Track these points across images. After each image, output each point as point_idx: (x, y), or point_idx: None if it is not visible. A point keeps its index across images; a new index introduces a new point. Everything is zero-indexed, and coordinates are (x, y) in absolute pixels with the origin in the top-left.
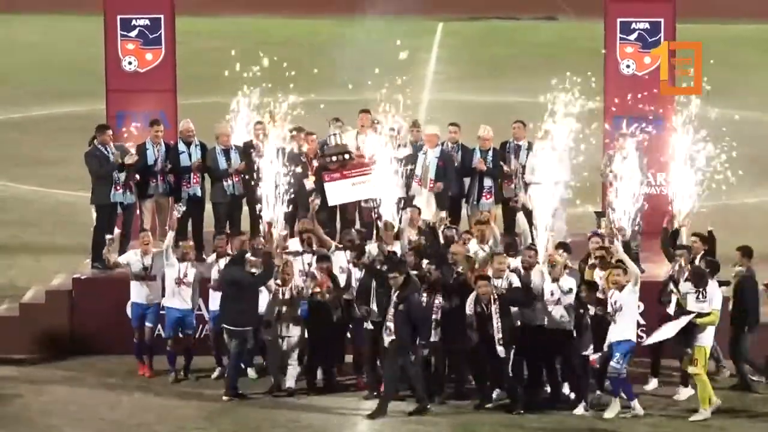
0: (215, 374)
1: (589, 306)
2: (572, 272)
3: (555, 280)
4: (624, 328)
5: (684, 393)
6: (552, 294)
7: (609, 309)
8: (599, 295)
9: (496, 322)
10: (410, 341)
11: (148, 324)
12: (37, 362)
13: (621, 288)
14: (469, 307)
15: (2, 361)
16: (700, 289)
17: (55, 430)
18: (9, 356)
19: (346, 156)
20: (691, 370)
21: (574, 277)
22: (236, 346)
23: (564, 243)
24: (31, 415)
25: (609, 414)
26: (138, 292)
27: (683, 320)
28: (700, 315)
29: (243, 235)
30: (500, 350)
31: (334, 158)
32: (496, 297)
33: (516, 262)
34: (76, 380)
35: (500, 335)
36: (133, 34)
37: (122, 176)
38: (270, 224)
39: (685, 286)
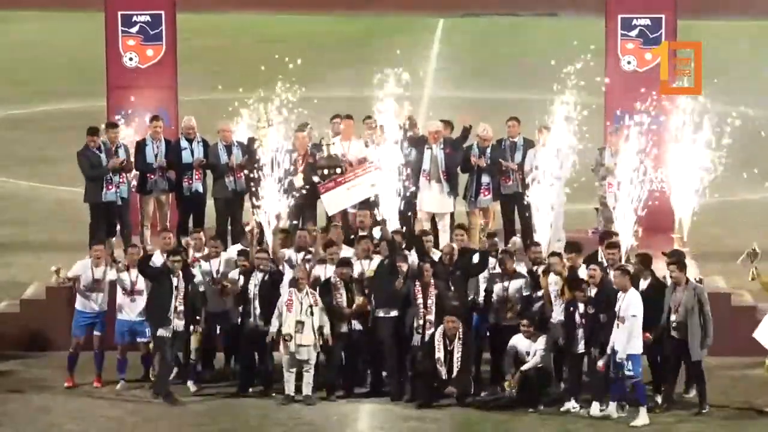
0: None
1: (579, 305)
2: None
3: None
4: (637, 340)
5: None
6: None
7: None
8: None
9: (457, 362)
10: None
11: (96, 332)
12: (38, 359)
13: (625, 290)
14: (438, 342)
15: (2, 357)
16: None
17: (55, 428)
18: (9, 353)
19: (338, 170)
20: None
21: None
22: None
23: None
24: (32, 413)
25: (639, 422)
26: (84, 302)
27: None
28: None
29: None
30: (450, 390)
31: (325, 171)
32: (461, 335)
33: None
34: (76, 377)
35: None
36: (134, 30)
37: (115, 177)
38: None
39: None
